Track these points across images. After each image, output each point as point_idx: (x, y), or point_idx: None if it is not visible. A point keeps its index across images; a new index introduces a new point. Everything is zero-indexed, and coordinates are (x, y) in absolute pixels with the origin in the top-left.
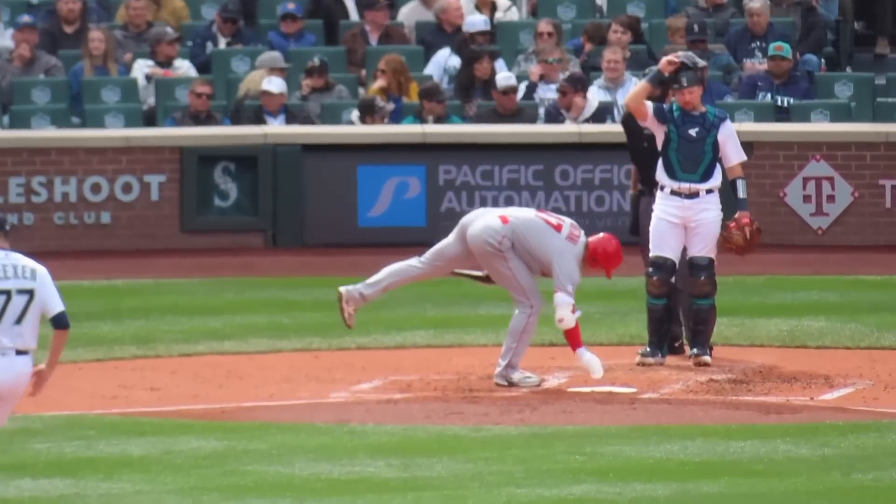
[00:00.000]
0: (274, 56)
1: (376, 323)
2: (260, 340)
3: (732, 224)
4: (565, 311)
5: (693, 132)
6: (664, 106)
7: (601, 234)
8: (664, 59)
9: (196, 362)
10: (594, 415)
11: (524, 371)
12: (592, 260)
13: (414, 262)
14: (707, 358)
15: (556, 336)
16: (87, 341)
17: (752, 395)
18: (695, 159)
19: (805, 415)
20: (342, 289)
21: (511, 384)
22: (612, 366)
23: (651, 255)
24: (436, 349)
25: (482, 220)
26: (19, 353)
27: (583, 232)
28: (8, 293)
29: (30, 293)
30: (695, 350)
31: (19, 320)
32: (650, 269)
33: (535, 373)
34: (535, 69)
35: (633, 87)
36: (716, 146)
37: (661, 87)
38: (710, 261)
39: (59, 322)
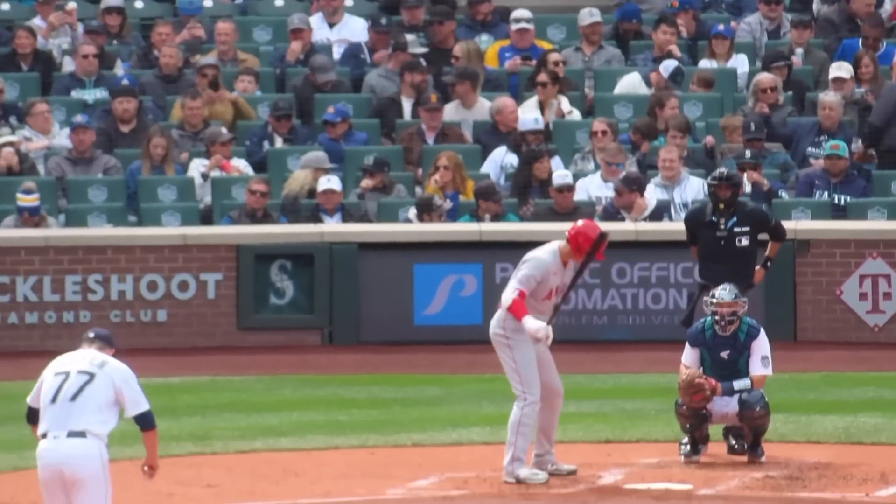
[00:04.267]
0: (319, 156)
1: (432, 420)
2: (316, 437)
3: (701, 376)
4: (506, 294)
5: (724, 355)
6: (697, 327)
7: (579, 222)
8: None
9: (253, 459)
10: None
11: (532, 468)
12: (577, 250)
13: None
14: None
15: (611, 433)
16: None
17: (807, 492)
18: (730, 377)
19: None
20: (521, 479)
21: (518, 481)
22: (668, 462)
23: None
24: (492, 446)
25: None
26: (72, 434)
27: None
28: (67, 374)
29: (90, 375)
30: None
31: (74, 397)
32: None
33: (594, 470)
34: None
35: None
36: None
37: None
38: (761, 395)
39: (141, 422)
